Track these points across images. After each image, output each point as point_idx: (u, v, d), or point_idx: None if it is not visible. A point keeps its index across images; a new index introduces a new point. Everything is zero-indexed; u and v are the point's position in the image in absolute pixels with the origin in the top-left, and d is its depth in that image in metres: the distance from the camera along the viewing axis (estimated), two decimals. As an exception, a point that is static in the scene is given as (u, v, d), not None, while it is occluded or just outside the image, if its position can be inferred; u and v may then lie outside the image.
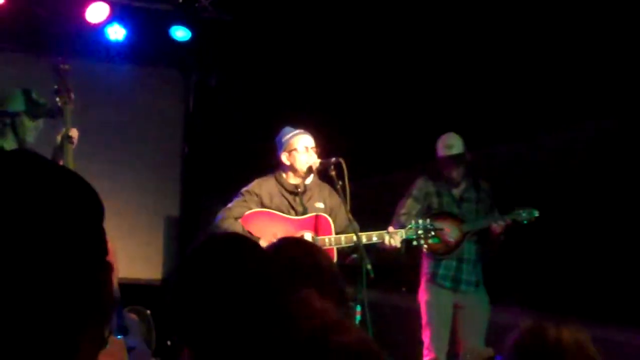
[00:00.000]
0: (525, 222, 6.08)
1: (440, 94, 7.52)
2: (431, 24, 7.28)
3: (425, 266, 6.26)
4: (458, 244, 6.16)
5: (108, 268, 1.10)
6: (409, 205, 6.18)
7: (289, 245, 2.50)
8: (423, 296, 6.23)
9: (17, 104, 4.84)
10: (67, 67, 4.76)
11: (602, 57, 6.47)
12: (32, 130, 4.83)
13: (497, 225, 6.02)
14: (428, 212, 6.14)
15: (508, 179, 6.93)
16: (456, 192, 6.28)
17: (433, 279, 6.19)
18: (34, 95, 4.95)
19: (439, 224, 5.98)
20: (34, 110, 4.87)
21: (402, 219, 5.98)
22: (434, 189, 6.26)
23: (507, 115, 7.10)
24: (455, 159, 6.14)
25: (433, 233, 5.58)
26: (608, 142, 6.84)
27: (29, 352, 1.00)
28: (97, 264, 1.08)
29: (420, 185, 6.28)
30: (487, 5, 6.91)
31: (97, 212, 1.10)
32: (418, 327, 6.31)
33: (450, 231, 6.10)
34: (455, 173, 6.19)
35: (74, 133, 4.62)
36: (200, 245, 1.96)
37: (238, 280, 1.87)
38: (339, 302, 2.36)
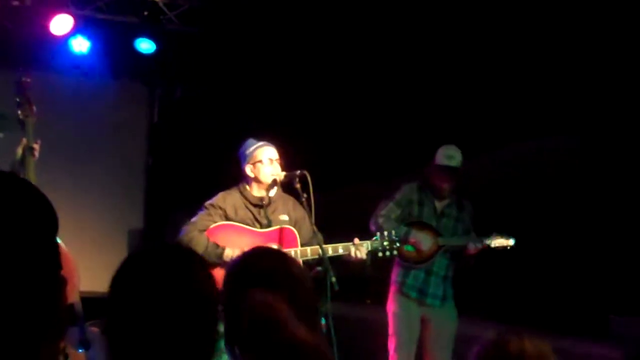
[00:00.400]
0: (497, 249, 6.13)
1: (412, 107, 7.55)
2: (401, 38, 7.31)
3: (395, 274, 6.24)
4: (431, 255, 6.15)
5: (61, 282, 1.09)
6: (389, 208, 6.16)
7: (262, 255, 2.49)
8: (390, 306, 6.21)
9: None
10: (28, 80, 4.71)
11: (572, 78, 6.53)
12: None
13: (474, 247, 6.04)
14: (406, 220, 6.15)
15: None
16: (439, 205, 6.25)
17: (401, 288, 6.17)
18: None
19: (414, 233, 6.01)
20: None
21: (380, 220, 5.97)
22: (417, 198, 6.24)
23: (472, 129, 7.15)
24: (452, 172, 6.11)
25: (398, 244, 5.57)
26: (573, 157, 6.91)
27: None
28: (50, 278, 1.06)
29: (405, 192, 6.26)
30: (464, 21, 6.95)
31: (51, 225, 1.09)
32: (383, 339, 6.31)
33: (424, 241, 6.10)
34: (447, 185, 6.17)
35: (36, 146, 4.58)
36: (130, 256, 1.95)
37: (167, 289, 1.87)
38: (311, 311, 2.37)
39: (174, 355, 1.82)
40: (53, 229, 1.09)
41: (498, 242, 6.11)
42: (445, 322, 6.19)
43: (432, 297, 6.17)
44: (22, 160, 4.58)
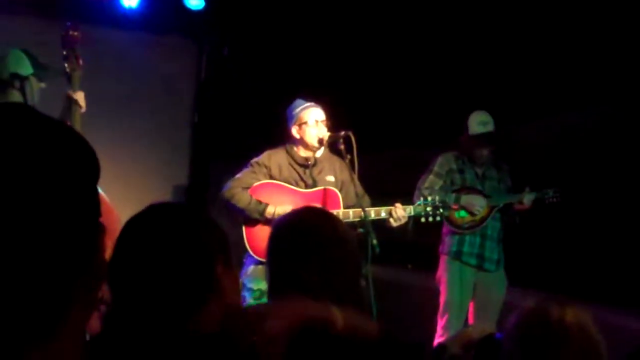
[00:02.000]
0: (548, 200, 6.11)
1: (454, 74, 7.47)
2: (444, 5, 7.23)
3: (448, 243, 6.21)
4: (484, 219, 6.14)
5: (100, 230, 1.08)
6: (431, 180, 6.14)
7: (309, 213, 2.49)
8: (444, 274, 6.16)
9: (26, 67, 4.81)
10: (76, 33, 4.71)
11: (607, 49, 6.41)
12: (38, 93, 4.81)
13: (527, 201, 6.02)
14: (452, 188, 6.12)
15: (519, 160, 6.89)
16: (478, 170, 6.24)
17: (458, 256, 6.13)
18: (35, 56, 4.93)
19: (465, 197, 5.99)
20: (41, 73, 4.85)
21: (425, 192, 5.94)
22: (456, 166, 6.23)
23: (519, 97, 7.06)
24: (489, 137, 6.10)
25: (442, 210, 5.54)
26: (611, 127, 6.81)
27: (17, 310, 0.98)
28: (89, 225, 1.06)
29: (442, 162, 6.24)
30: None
31: (92, 171, 1.07)
32: (423, 303, 6.28)
33: (478, 202, 6.07)
34: (486, 151, 6.16)
35: (80, 96, 4.60)
36: (138, 214, 1.98)
37: (169, 245, 1.90)
38: (355, 271, 2.36)
39: (170, 303, 1.86)
40: (95, 175, 1.08)
41: (548, 194, 6.13)
42: (495, 288, 6.15)
43: (488, 261, 6.14)
44: (68, 110, 4.60)
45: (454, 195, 6.00)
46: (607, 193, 6.73)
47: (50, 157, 1.00)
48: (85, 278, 1.05)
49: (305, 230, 2.35)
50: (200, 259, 1.92)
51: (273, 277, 2.34)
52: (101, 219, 1.10)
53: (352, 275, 2.33)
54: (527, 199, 6.05)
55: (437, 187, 6.05)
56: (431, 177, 6.16)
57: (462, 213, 6.10)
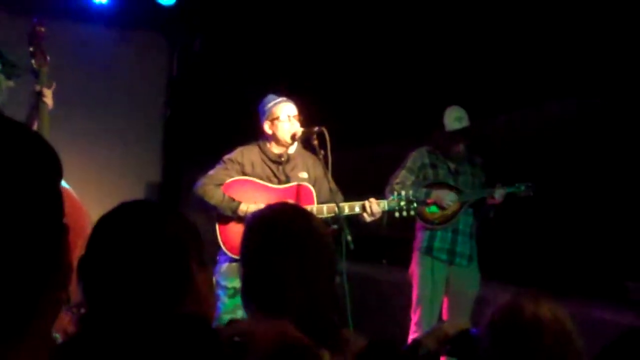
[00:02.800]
0: (522, 194, 6.13)
1: (427, 67, 7.47)
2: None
3: (420, 238, 6.20)
4: (455, 214, 6.14)
5: (64, 230, 1.07)
6: (403, 175, 6.14)
7: (285, 210, 2.47)
8: (417, 269, 6.15)
9: None
10: (42, 29, 4.66)
11: (590, 39, 6.43)
12: (5, 91, 4.76)
13: (499, 196, 6.03)
14: (423, 183, 6.12)
15: (495, 153, 6.91)
16: (452, 165, 6.25)
17: (429, 252, 6.13)
18: (7, 54, 4.87)
19: (435, 192, 6.00)
20: (9, 70, 4.80)
21: (397, 187, 5.92)
22: (429, 161, 6.23)
23: (493, 89, 7.08)
24: (466, 132, 6.12)
25: (415, 205, 5.52)
26: (591, 119, 6.83)
27: None
28: (52, 225, 1.04)
29: (415, 157, 6.24)
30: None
31: (52, 172, 1.06)
32: (397, 298, 6.28)
33: (447, 197, 6.07)
34: (462, 146, 6.17)
35: (47, 93, 4.56)
36: (109, 212, 1.95)
37: (143, 243, 1.87)
38: (331, 269, 2.35)
39: (145, 302, 1.83)
40: (54, 174, 1.06)
41: (520, 189, 6.13)
42: (468, 283, 6.16)
43: (459, 256, 6.15)
44: (36, 107, 4.56)
45: (424, 190, 6.00)
46: (582, 186, 6.75)
47: (8, 159, 0.99)
48: (51, 278, 1.04)
49: (279, 227, 2.32)
50: (174, 257, 1.89)
51: (247, 274, 2.31)
52: (67, 218, 1.09)
53: (327, 271, 2.31)
54: (499, 193, 6.06)
55: (409, 183, 6.04)
56: (403, 172, 6.17)
57: (433, 208, 6.11)
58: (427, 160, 6.23)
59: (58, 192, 1.06)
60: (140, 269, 1.85)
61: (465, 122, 6.12)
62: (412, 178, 6.14)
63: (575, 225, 6.76)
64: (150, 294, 1.84)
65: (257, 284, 2.26)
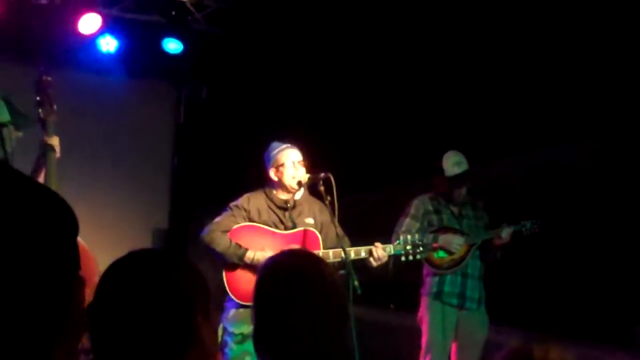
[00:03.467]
0: (527, 232, 6.12)
1: (431, 114, 7.51)
2: (420, 46, 7.27)
3: (429, 284, 6.17)
4: (463, 258, 6.13)
5: (80, 283, 1.08)
6: (407, 223, 6.12)
7: (295, 256, 2.48)
8: (426, 315, 6.12)
9: (4, 115, 4.81)
10: (49, 78, 4.69)
11: (590, 83, 6.47)
12: (14, 141, 4.80)
13: (505, 235, 6.02)
14: (430, 229, 6.11)
15: (498, 196, 6.91)
16: (454, 209, 6.24)
17: (439, 297, 6.10)
18: (16, 105, 4.92)
19: (443, 237, 5.99)
20: (19, 121, 4.85)
21: (403, 236, 5.91)
22: (432, 208, 6.23)
23: (495, 134, 7.10)
24: (466, 176, 6.12)
25: (422, 249, 5.53)
26: (598, 164, 6.84)
27: None
28: (69, 279, 1.06)
29: (417, 204, 6.23)
30: (476, 23, 6.91)
31: (69, 227, 1.08)
32: (406, 344, 6.25)
33: (455, 241, 6.06)
34: (464, 190, 6.18)
35: (55, 142, 4.58)
36: (118, 261, 1.96)
37: (149, 294, 1.88)
38: (342, 317, 2.35)
39: (151, 352, 1.83)
40: (71, 231, 1.08)
41: (526, 227, 6.15)
42: (478, 328, 6.12)
43: (469, 300, 6.12)
44: (43, 156, 4.58)
45: (431, 235, 5.98)
46: (589, 230, 6.75)
47: (28, 218, 1.01)
48: (66, 329, 1.05)
49: (291, 275, 2.34)
50: (181, 308, 1.90)
51: (259, 322, 2.33)
52: (81, 272, 1.11)
53: (337, 319, 2.32)
54: (505, 232, 6.06)
55: (414, 230, 6.01)
56: (408, 220, 6.16)
57: (441, 253, 6.10)
58: (430, 207, 6.23)
59: (75, 248, 1.08)
60: (146, 319, 1.85)
61: (464, 166, 6.13)
62: (417, 225, 6.12)
63: (583, 269, 6.74)
64: (156, 345, 1.85)
65: (268, 331, 2.28)
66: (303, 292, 2.28)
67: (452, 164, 6.13)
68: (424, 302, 6.17)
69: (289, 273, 2.35)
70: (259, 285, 2.38)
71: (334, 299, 2.33)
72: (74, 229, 1.09)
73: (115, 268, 1.95)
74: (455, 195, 6.19)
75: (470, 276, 6.15)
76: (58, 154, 4.60)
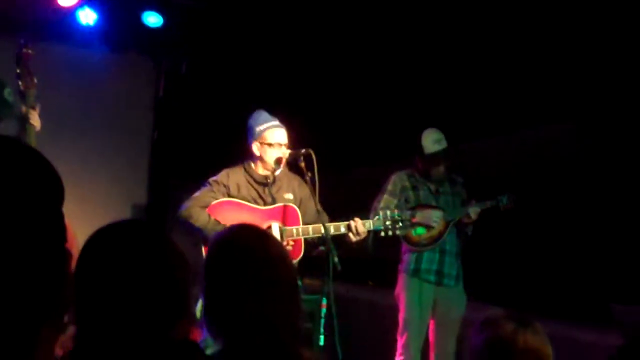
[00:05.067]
0: (503, 207, 6.15)
1: (415, 93, 7.51)
2: (409, 19, 7.26)
3: (406, 261, 6.18)
4: (441, 234, 6.13)
5: (66, 255, 1.07)
6: (385, 199, 6.13)
7: (240, 232, 2.49)
8: (403, 292, 6.13)
9: None
10: (30, 51, 4.67)
11: (578, 64, 6.49)
12: None
13: (472, 214, 6.05)
14: (407, 206, 6.11)
15: (479, 175, 6.93)
16: (432, 186, 6.25)
17: (416, 274, 6.10)
18: (5, 93, 4.90)
19: (420, 213, 6.00)
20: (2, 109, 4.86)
21: (381, 212, 5.91)
22: (409, 184, 6.24)
23: (480, 111, 7.12)
24: (444, 154, 6.12)
25: (401, 224, 5.53)
26: (572, 143, 6.88)
27: None
28: (56, 251, 1.05)
29: (395, 181, 6.24)
30: (461, 3, 6.90)
31: (57, 194, 1.06)
32: (384, 320, 6.28)
33: (433, 217, 6.07)
34: (442, 168, 6.18)
35: (34, 115, 4.55)
36: (99, 231, 1.95)
37: (131, 264, 1.88)
38: (291, 291, 2.36)
39: (137, 328, 1.83)
40: (59, 198, 1.06)
41: (502, 201, 6.19)
42: (455, 305, 6.13)
43: (447, 277, 6.14)
44: (23, 129, 4.56)
45: (409, 212, 5.95)
46: (568, 207, 6.79)
47: (13, 183, 0.99)
48: (53, 300, 1.04)
49: (237, 249, 2.35)
50: (176, 280, 1.90)
51: (207, 296, 2.34)
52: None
53: (285, 294, 2.33)
54: (472, 211, 6.08)
55: (392, 206, 6.02)
56: (386, 196, 6.17)
57: (419, 230, 6.10)
58: (407, 183, 6.24)
59: (61, 216, 1.06)
60: (133, 289, 1.84)
61: (444, 144, 6.13)
62: (395, 201, 6.13)
63: (559, 246, 6.78)
64: (146, 317, 1.84)
65: (216, 306, 2.29)
66: (249, 267, 2.29)
67: (432, 141, 6.13)
68: (402, 279, 6.19)
69: (235, 247, 2.37)
70: (207, 260, 2.39)
71: (282, 274, 2.34)
72: (60, 195, 1.07)
73: (97, 238, 1.94)
74: (433, 172, 6.20)
75: (448, 253, 6.17)
76: (37, 126, 4.57)
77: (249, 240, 2.39)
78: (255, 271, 2.28)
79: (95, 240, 1.93)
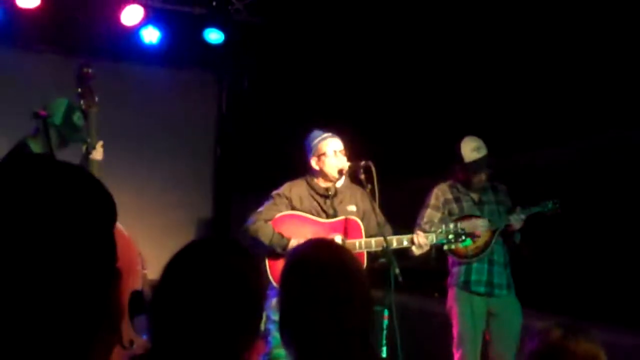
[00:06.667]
0: (549, 212, 6.02)
1: (467, 103, 7.49)
2: (462, 36, 7.26)
3: (455, 274, 6.07)
4: (487, 244, 6.04)
5: (117, 275, 1.09)
6: (429, 214, 6.03)
7: (317, 247, 2.51)
8: (455, 306, 6.02)
9: (57, 117, 4.97)
10: (90, 70, 4.76)
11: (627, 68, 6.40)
12: (58, 145, 4.95)
13: (515, 222, 5.94)
14: (451, 219, 6.03)
15: (525, 187, 6.86)
16: (475, 196, 6.16)
17: (466, 286, 6.00)
18: (75, 117, 5.04)
19: (466, 224, 5.92)
20: (66, 131, 5.01)
21: (426, 227, 5.85)
22: (452, 196, 6.13)
23: (526, 123, 7.07)
24: (486, 161, 6.03)
25: (464, 237, 5.50)
26: (621, 151, 6.77)
27: (40, 357, 0.99)
28: (106, 271, 1.07)
29: (437, 193, 6.13)
30: (514, 16, 6.87)
31: (108, 217, 1.08)
32: (449, 334, 6.23)
33: (479, 228, 5.98)
34: (484, 176, 6.09)
35: (97, 147, 4.64)
36: (182, 250, 1.98)
37: (215, 283, 1.90)
38: (365, 306, 2.37)
39: (211, 345, 1.86)
40: (109, 219, 1.09)
41: (547, 207, 5.97)
42: (512, 313, 5.98)
43: (498, 287, 6.03)
44: (86, 158, 4.66)
45: (452, 224, 5.85)
46: (620, 212, 6.67)
47: (66, 208, 1.01)
48: (103, 322, 1.06)
49: (314, 265, 2.37)
50: (250, 299, 1.93)
51: (284, 310, 2.37)
52: (119, 258, 1.11)
53: (361, 308, 2.34)
54: (517, 218, 5.95)
55: (436, 220, 5.94)
56: (429, 210, 6.07)
57: (466, 242, 6.00)
58: (449, 196, 6.12)
59: (112, 238, 1.08)
60: (214, 309, 1.87)
61: (483, 151, 6.03)
62: (439, 215, 6.03)
63: (614, 253, 6.67)
64: (224, 335, 1.87)
65: (293, 320, 2.32)
66: (326, 282, 2.30)
67: (471, 149, 6.03)
68: (452, 292, 6.08)
69: (312, 263, 2.38)
70: (284, 275, 2.42)
71: (358, 288, 2.35)
72: (112, 216, 1.09)
73: (181, 257, 1.97)
74: (474, 181, 6.10)
75: (496, 263, 6.05)
76: (100, 158, 4.67)
77: (326, 254, 2.41)
78: (331, 284, 2.30)
79: (181, 257, 1.97)
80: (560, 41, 6.71)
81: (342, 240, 5.29)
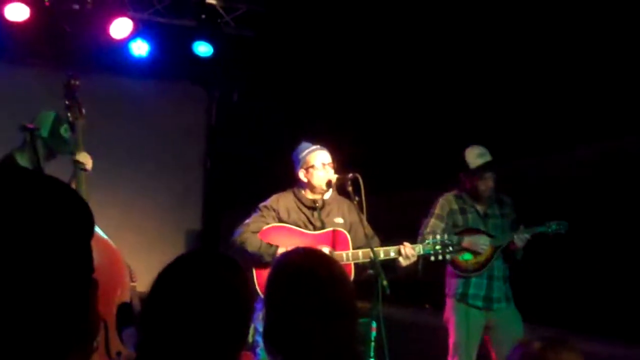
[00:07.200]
0: (553, 234, 6.00)
1: (463, 112, 7.50)
2: (461, 45, 7.28)
3: (453, 285, 6.08)
4: (488, 260, 6.03)
5: (93, 285, 1.10)
6: (432, 224, 6.02)
7: (304, 254, 2.51)
8: (452, 317, 6.03)
9: (44, 129, 4.99)
10: (77, 82, 4.77)
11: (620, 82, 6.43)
12: (45, 157, 4.97)
13: (519, 242, 5.93)
14: (454, 230, 6.00)
15: (526, 195, 6.88)
16: (480, 208, 6.15)
17: (463, 299, 6.01)
18: (61, 130, 5.05)
19: (468, 238, 5.92)
20: (53, 143, 5.02)
21: (429, 237, 5.84)
22: (457, 207, 6.12)
23: (527, 131, 7.08)
24: (491, 166, 6.02)
25: (451, 249, 5.51)
26: (620, 162, 6.79)
27: None
28: (82, 281, 1.08)
29: (443, 204, 6.12)
30: (517, 22, 6.89)
31: (84, 228, 1.09)
32: (436, 343, 6.23)
33: (481, 243, 5.99)
34: (491, 183, 6.07)
35: (84, 158, 4.64)
36: (171, 263, 2.00)
37: (203, 295, 1.91)
38: (352, 316, 2.38)
39: (199, 356, 1.88)
40: (85, 230, 1.10)
41: (552, 228, 5.96)
42: (512, 324, 5.96)
43: (497, 301, 6.02)
44: (74, 173, 4.66)
45: (456, 237, 5.85)
46: (618, 225, 6.69)
47: (40, 218, 1.02)
48: (80, 331, 1.07)
49: (301, 274, 2.37)
50: (239, 311, 1.95)
51: (269, 320, 2.36)
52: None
53: (347, 317, 2.35)
54: (521, 238, 5.95)
55: (439, 230, 5.91)
56: (433, 220, 6.07)
57: (466, 256, 5.97)
58: (455, 206, 6.12)
59: (88, 248, 1.09)
60: (204, 321, 1.89)
61: (488, 157, 6.03)
62: (442, 225, 6.01)
63: (610, 267, 6.69)
64: (212, 349, 1.88)
65: (278, 329, 2.31)
66: (313, 291, 2.30)
67: (475, 155, 6.02)
68: (449, 304, 6.08)
69: (298, 272, 2.38)
70: (269, 283, 2.42)
71: (343, 296, 2.36)
72: (90, 229, 1.10)
73: (170, 270, 1.99)
74: (481, 189, 6.08)
75: (496, 278, 6.04)
76: (89, 168, 4.67)
77: (311, 262, 2.42)
78: (317, 292, 2.30)
79: (170, 270, 1.98)
80: (563, 48, 6.72)
81: (330, 252, 5.29)
